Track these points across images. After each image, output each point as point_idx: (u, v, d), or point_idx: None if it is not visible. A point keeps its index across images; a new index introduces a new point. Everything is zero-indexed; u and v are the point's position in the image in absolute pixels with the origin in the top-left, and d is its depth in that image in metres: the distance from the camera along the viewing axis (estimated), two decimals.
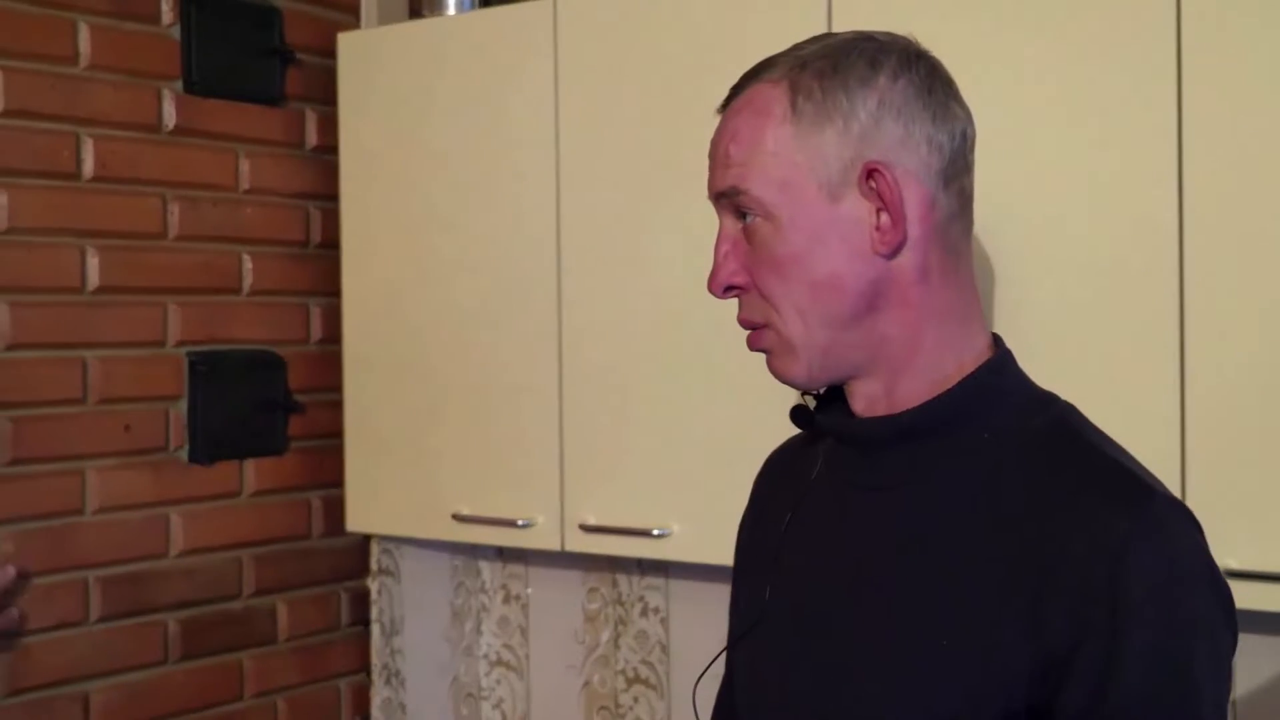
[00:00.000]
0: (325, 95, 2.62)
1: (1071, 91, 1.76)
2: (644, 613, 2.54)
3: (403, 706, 2.74)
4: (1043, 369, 1.56)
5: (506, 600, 2.74)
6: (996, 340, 1.32)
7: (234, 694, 2.54)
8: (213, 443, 2.49)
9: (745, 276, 1.28)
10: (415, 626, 2.78)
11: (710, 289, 1.30)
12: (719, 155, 1.30)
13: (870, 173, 1.23)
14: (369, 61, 2.52)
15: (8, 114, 2.20)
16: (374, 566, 2.75)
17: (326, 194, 2.63)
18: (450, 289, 2.39)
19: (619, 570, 2.57)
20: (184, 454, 2.46)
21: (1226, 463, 1.65)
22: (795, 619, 1.35)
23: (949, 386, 1.27)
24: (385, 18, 2.69)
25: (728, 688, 1.52)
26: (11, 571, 2.12)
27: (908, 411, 1.27)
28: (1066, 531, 1.16)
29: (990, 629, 1.17)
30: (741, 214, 1.28)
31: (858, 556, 1.30)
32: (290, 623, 2.63)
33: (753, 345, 1.31)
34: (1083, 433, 1.26)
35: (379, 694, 2.75)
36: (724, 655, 1.53)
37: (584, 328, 2.19)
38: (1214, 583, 1.19)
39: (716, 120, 1.31)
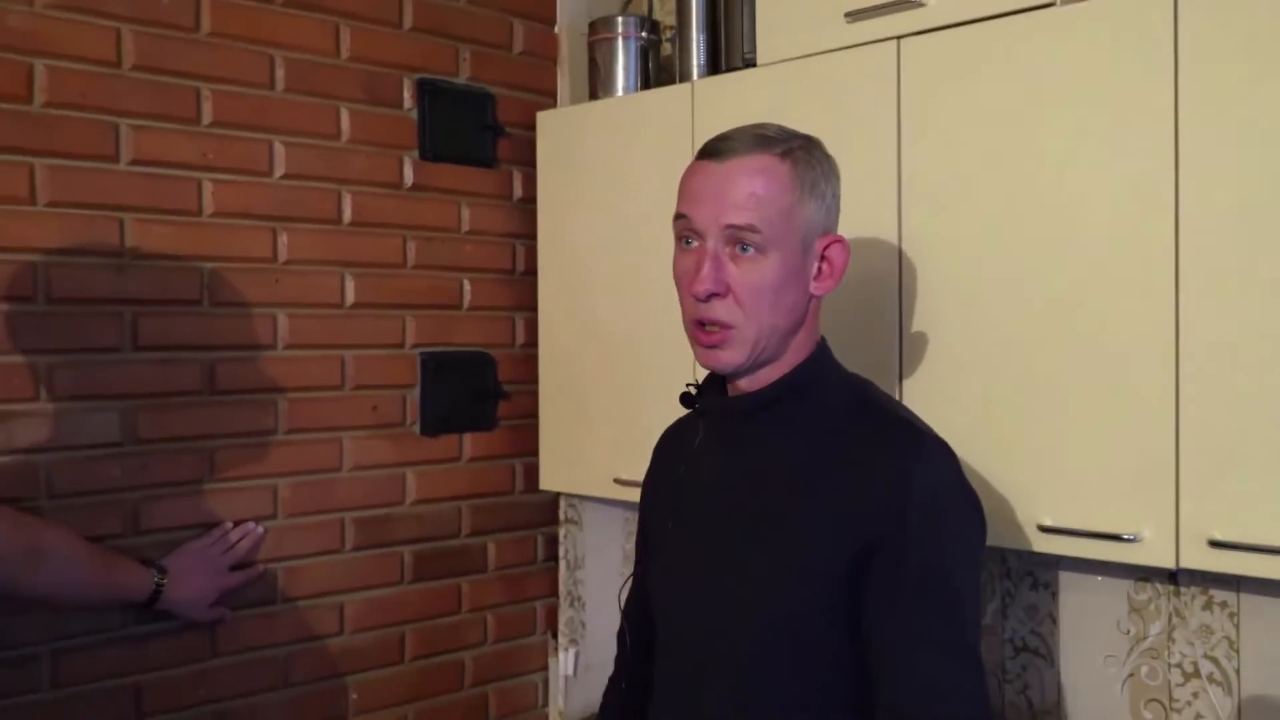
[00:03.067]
0: (528, 159, 2.66)
1: (1073, 104, 1.69)
2: None
3: (583, 624, 2.79)
4: (1051, 355, 1.65)
5: None
6: (821, 339, 1.51)
7: (453, 609, 2.61)
8: (438, 420, 2.55)
9: (724, 287, 1.41)
10: (594, 563, 2.81)
11: (696, 291, 1.41)
12: (738, 197, 1.38)
13: (830, 244, 1.42)
14: (559, 132, 2.57)
15: (288, 176, 2.30)
16: (562, 517, 2.77)
17: (528, 234, 2.68)
18: (613, 306, 2.42)
19: None
20: (416, 428, 2.52)
21: (1218, 442, 1.57)
22: (688, 541, 1.53)
23: (786, 372, 1.47)
24: (575, 98, 2.73)
25: (638, 591, 1.70)
26: (260, 530, 2.24)
27: (760, 390, 1.45)
28: (870, 468, 1.36)
29: (823, 537, 1.37)
30: (740, 245, 1.40)
31: (729, 493, 1.48)
32: (497, 557, 2.68)
33: (708, 340, 1.44)
34: (878, 400, 1.46)
35: (565, 614, 2.78)
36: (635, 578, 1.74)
37: None
38: (965, 493, 1.39)
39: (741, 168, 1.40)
